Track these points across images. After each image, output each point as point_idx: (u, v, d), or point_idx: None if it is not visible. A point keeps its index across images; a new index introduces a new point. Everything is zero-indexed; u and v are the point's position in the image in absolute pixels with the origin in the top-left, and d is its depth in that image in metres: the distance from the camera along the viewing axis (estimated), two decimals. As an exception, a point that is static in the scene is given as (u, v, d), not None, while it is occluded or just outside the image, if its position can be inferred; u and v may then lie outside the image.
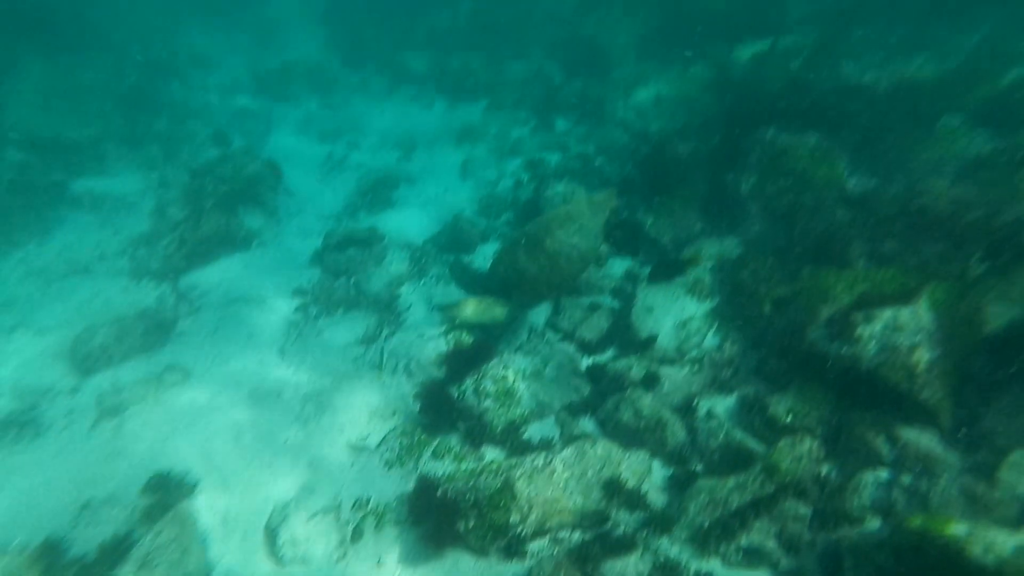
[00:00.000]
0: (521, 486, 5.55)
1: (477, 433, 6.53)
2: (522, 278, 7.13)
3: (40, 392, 7.31)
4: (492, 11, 19.38)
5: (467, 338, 7.55)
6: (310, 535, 5.50)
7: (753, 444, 5.74)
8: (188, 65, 19.52)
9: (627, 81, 14.86)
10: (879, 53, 11.74)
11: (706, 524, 5.18)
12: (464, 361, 7.16)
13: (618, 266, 9.11)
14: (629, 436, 6.27)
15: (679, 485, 5.76)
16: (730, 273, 8.00)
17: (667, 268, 8.45)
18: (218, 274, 9.68)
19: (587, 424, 6.67)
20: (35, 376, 7.54)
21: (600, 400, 6.81)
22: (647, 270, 8.97)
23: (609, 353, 7.60)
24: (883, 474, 5.10)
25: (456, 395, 6.76)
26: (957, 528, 3.56)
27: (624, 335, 7.67)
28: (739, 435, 5.85)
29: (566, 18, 17.50)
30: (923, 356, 5.07)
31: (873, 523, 4.66)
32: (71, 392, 7.33)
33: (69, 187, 11.96)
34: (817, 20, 13.91)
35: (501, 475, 5.57)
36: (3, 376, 7.57)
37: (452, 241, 10.45)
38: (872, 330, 5.30)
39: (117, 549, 5.47)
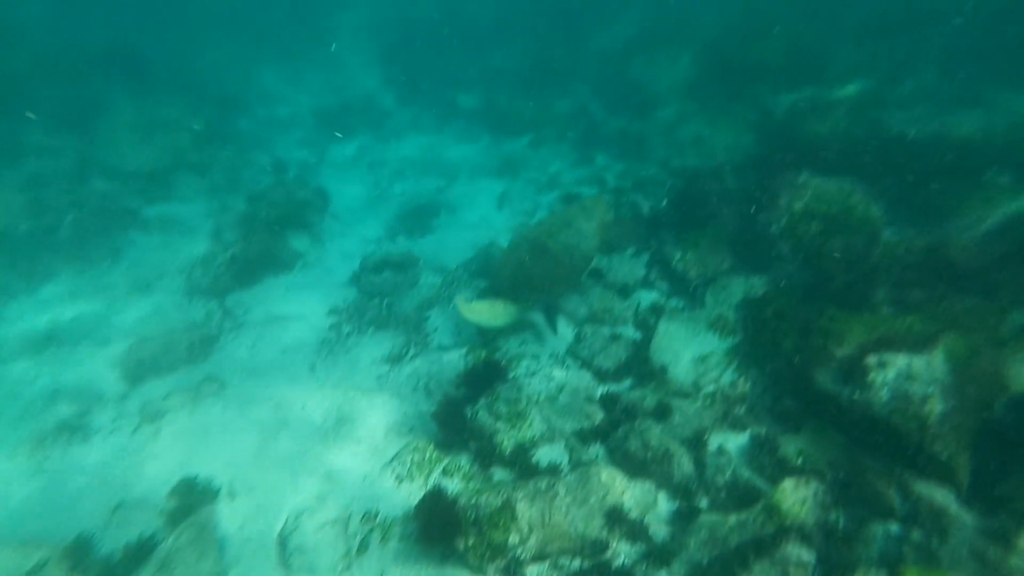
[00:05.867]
0: (523, 507, 5.63)
1: (487, 454, 6.66)
2: (530, 279, 7.58)
3: (94, 398, 8.01)
4: (544, 50, 20.14)
5: (483, 358, 7.77)
6: (318, 545, 5.73)
7: (760, 484, 5.62)
8: (257, 101, 21.16)
9: (669, 120, 15.08)
10: (928, 105, 11.53)
11: (705, 561, 5.09)
12: (480, 381, 7.35)
13: (644, 299, 9.16)
14: (636, 466, 6.24)
15: (682, 519, 5.67)
16: (754, 311, 7.93)
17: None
18: (262, 292, 10.35)
19: (597, 451, 6.68)
20: (92, 383, 8.28)
21: (612, 428, 6.81)
22: (672, 302, 9.01)
23: (626, 383, 7.63)
24: (893, 527, 4.87)
25: (469, 415, 6.94)
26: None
27: (642, 366, 7.69)
28: (747, 474, 5.74)
29: (614, 58, 17.95)
30: (936, 408, 4.86)
31: None
32: (120, 399, 7.99)
33: (142, 213, 13.13)
34: (868, 69, 13.81)
35: (503, 495, 5.67)
36: (65, 383, 8.33)
37: (483, 268, 10.77)
38: (885, 376, 5.14)
39: (141, 550, 5.87)
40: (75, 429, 7.53)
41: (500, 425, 6.73)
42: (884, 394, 5.12)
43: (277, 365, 8.40)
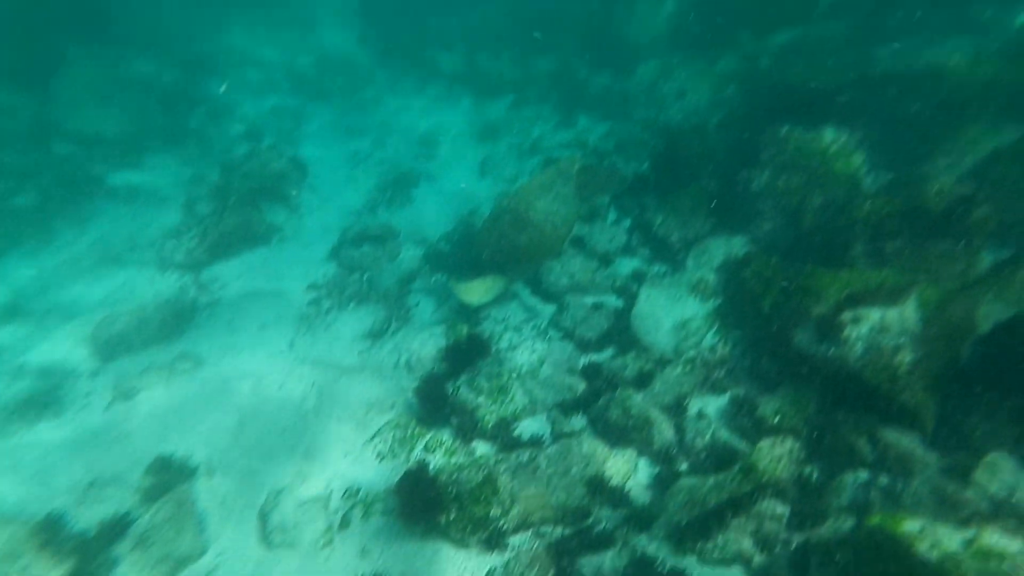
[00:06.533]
0: (504, 480, 5.65)
1: (469, 428, 6.65)
2: (513, 249, 7.46)
3: (63, 374, 7.82)
4: (525, 6, 19.35)
5: (465, 333, 7.69)
6: (299, 521, 5.74)
7: (739, 444, 5.67)
8: (227, 62, 20.24)
9: (652, 76, 14.65)
10: (916, 37, 10.97)
11: (684, 522, 5.16)
12: (462, 356, 7.29)
13: (625, 265, 9.06)
14: (618, 434, 6.27)
15: (663, 484, 5.73)
16: (734, 272, 7.86)
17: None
18: (238, 267, 10.10)
19: (579, 422, 6.69)
20: (61, 359, 8.08)
21: (594, 398, 6.81)
22: (654, 268, 8.93)
23: (608, 352, 7.60)
24: (863, 475, 4.97)
25: (451, 390, 6.89)
26: (910, 525, 3.50)
27: (624, 335, 7.66)
28: (726, 435, 5.79)
29: (598, 11, 17.28)
30: (905, 358, 4.90)
31: (848, 523, 4.56)
32: (91, 375, 7.82)
33: (108, 180, 12.62)
34: (852, 5, 13.28)
35: (484, 469, 5.68)
36: (32, 357, 8.13)
37: (465, 238, 10.57)
38: (859, 331, 5.14)
39: (116, 527, 5.81)
40: (44, 405, 7.37)
41: (482, 399, 6.70)
42: (858, 348, 5.13)
43: (255, 342, 8.25)
